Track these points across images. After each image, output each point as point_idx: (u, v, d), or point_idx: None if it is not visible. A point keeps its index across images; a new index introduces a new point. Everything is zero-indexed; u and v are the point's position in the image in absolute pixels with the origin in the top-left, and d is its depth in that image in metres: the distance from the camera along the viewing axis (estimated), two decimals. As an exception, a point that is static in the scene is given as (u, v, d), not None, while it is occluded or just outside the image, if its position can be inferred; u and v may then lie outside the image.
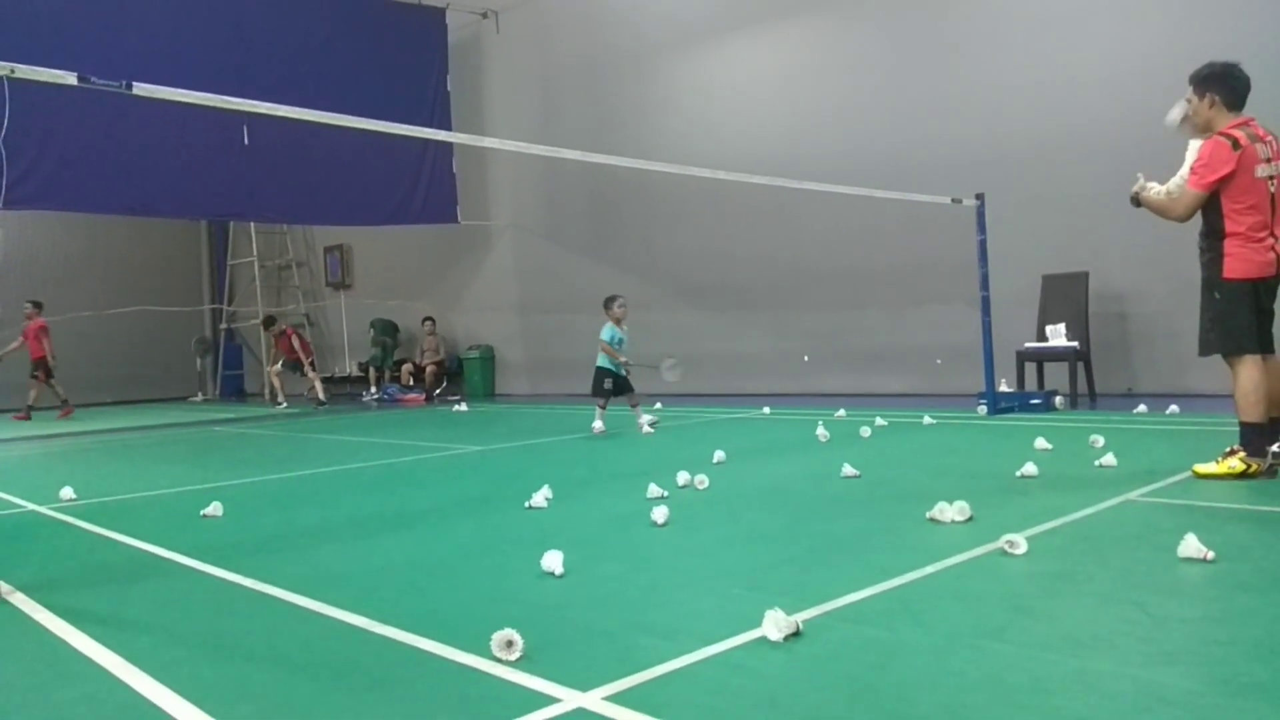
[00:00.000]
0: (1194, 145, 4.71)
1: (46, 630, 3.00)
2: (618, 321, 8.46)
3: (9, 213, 10.53)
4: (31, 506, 5.61)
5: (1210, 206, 4.58)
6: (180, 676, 2.48)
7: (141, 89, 3.99)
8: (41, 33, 10.49)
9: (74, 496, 5.74)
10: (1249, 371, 4.51)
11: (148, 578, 3.74)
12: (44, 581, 3.64)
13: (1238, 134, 4.51)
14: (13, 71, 3.50)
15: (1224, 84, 4.63)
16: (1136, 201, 4.92)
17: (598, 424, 8.34)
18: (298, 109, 5.17)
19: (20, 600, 3.36)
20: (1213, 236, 4.61)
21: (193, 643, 2.85)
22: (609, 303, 8.55)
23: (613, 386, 8.38)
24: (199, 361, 20.59)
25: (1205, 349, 4.70)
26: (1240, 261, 4.51)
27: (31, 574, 3.74)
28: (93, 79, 3.76)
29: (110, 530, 4.69)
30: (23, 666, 2.70)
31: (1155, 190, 4.83)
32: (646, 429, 8.23)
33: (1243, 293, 4.53)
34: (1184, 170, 4.71)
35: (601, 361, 8.44)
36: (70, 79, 3.72)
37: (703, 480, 5.07)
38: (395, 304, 15.92)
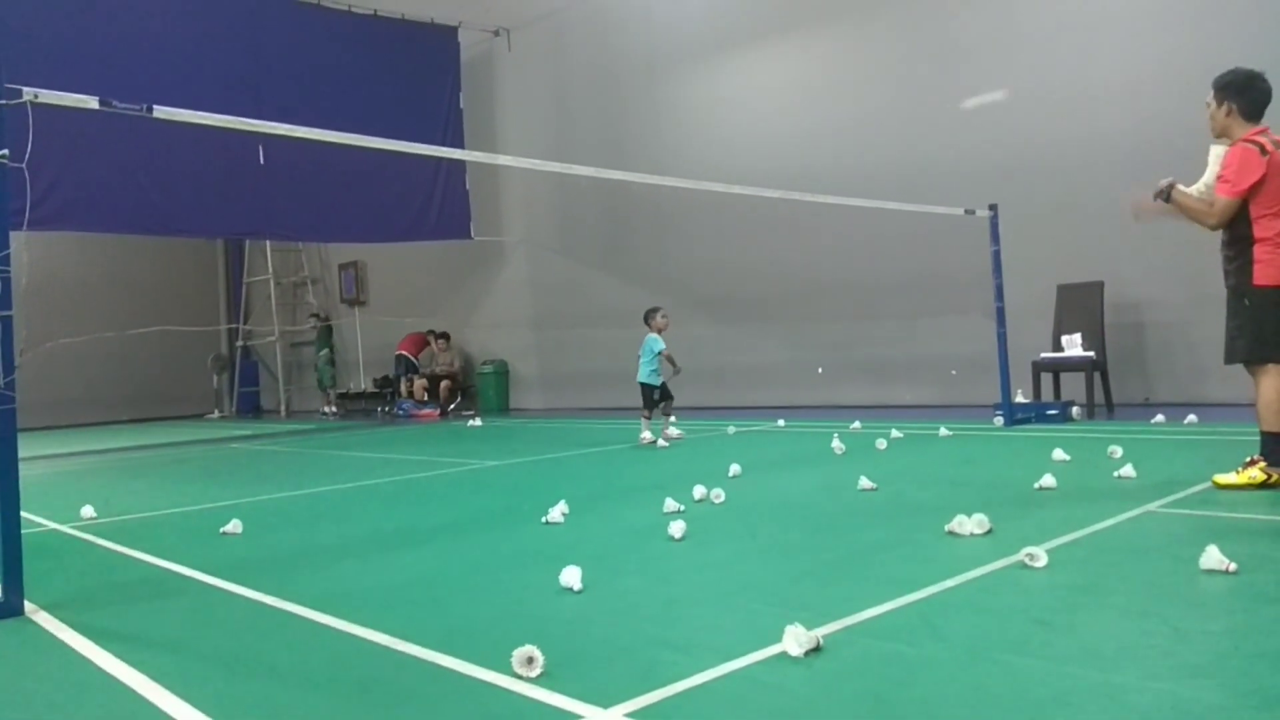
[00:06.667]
0: (1216, 151, 4.68)
1: (69, 648, 3.03)
2: (660, 332, 8.56)
3: (31, 235, 10.69)
4: (53, 525, 5.65)
5: (1237, 213, 4.54)
6: (203, 693, 2.49)
7: (162, 112, 4.04)
8: (60, 56, 10.62)
9: (94, 515, 5.79)
10: (1272, 381, 4.47)
11: (169, 595, 3.76)
12: (66, 600, 3.67)
13: (1263, 140, 4.49)
14: (36, 97, 3.55)
15: (1243, 93, 4.59)
16: (1167, 197, 4.71)
17: (646, 435, 8.41)
18: (313, 129, 5.22)
19: (43, 618, 3.38)
20: (1241, 243, 4.56)
21: (214, 660, 2.86)
22: (652, 315, 8.68)
23: (660, 395, 8.52)
24: (215, 379, 20.74)
25: (1231, 357, 4.66)
26: (1270, 268, 4.47)
27: (54, 592, 3.77)
28: (114, 103, 3.80)
29: (131, 548, 4.72)
30: (47, 684, 2.72)
31: (1187, 190, 4.72)
32: (661, 443, 8.23)
33: (1272, 300, 4.49)
34: (1208, 177, 4.68)
35: (646, 377, 8.50)
36: (92, 103, 3.76)
37: (719, 494, 5.06)
38: (410, 320, 16.01)
